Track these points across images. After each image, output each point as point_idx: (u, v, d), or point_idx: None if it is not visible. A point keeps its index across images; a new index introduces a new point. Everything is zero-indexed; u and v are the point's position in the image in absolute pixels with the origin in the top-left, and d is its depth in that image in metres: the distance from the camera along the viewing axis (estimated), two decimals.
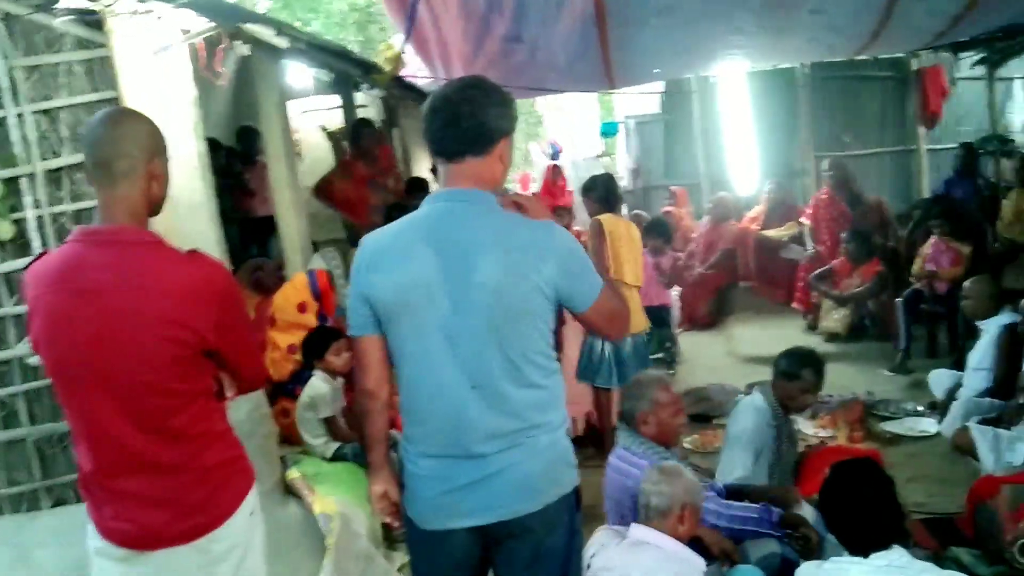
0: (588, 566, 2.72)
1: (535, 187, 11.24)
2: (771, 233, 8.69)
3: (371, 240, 2.21)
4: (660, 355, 7.11)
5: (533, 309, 2.12)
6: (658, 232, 7.47)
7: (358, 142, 6.83)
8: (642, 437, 3.23)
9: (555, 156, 11.35)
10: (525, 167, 13.94)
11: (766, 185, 9.18)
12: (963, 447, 4.63)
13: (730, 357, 7.57)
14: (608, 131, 11.62)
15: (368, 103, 8.22)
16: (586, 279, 2.19)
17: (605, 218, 5.28)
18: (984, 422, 4.74)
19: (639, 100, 11.18)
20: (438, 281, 2.09)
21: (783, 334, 7.94)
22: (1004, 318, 5.09)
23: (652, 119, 11.11)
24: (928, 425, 5.34)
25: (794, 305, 8.17)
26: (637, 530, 2.77)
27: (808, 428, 5.37)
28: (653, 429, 3.23)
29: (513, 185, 14.60)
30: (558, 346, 5.44)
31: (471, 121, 2.12)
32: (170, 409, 2.04)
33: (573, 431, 5.43)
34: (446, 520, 2.15)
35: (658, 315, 6.69)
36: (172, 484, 2.06)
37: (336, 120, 7.86)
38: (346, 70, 6.28)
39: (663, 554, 2.68)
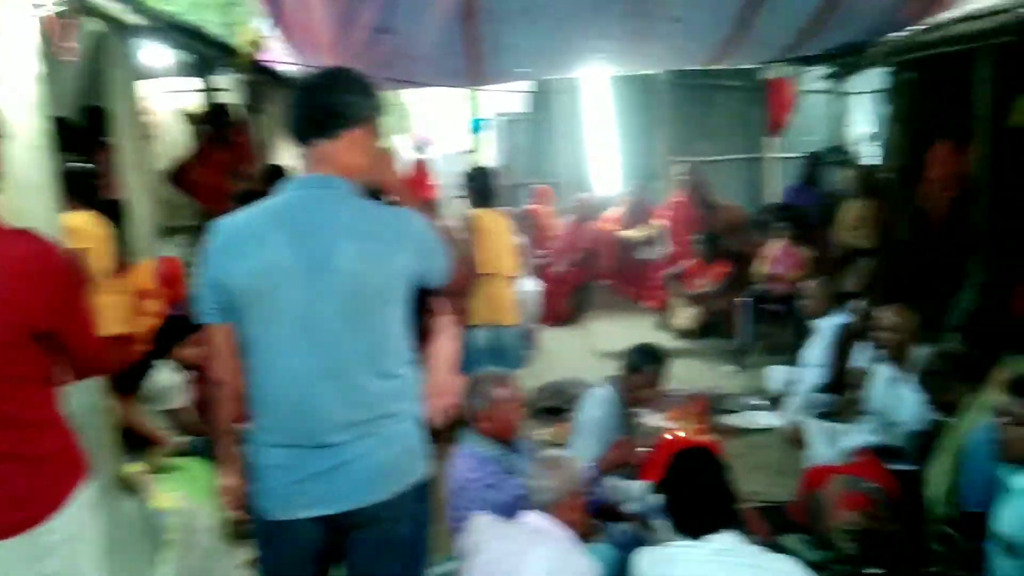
0: (470, 556, 2.69)
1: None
2: (629, 234, 8.97)
3: (224, 225, 2.15)
4: None
5: (391, 296, 2.12)
6: None
7: (217, 128, 6.60)
8: (481, 435, 3.26)
9: (422, 150, 11.33)
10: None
11: (626, 187, 9.46)
12: (798, 439, 4.94)
13: (587, 352, 7.76)
14: (477, 127, 11.66)
15: (231, 88, 7.95)
16: (440, 260, 2.25)
17: (479, 213, 5.40)
18: (819, 415, 5.08)
19: (509, 98, 11.28)
20: (292, 268, 2.06)
21: (637, 330, 8.23)
22: (839, 318, 5.45)
23: (520, 118, 11.23)
24: (766, 418, 5.65)
25: (648, 303, 8.46)
26: (532, 517, 2.76)
27: (655, 421, 5.56)
28: (492, 426, 3.25)
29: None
30: (426, 337, 5.49)
31: (321, 104, 2.12)
32: None
33: (440, 422, 5.45)
34: (294, 510, 2.12)
35: None
36: (0, 474, 1.95)
37: (197, 104, 7.56)
38: (204, 52, 6.06)
39: (560, 544, 2.67)
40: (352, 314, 2.07)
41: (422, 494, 2.25)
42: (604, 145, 10.66)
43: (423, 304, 5.45)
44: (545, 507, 2.74)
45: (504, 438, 3.29)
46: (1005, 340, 4.03)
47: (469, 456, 3.22)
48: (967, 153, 7.02)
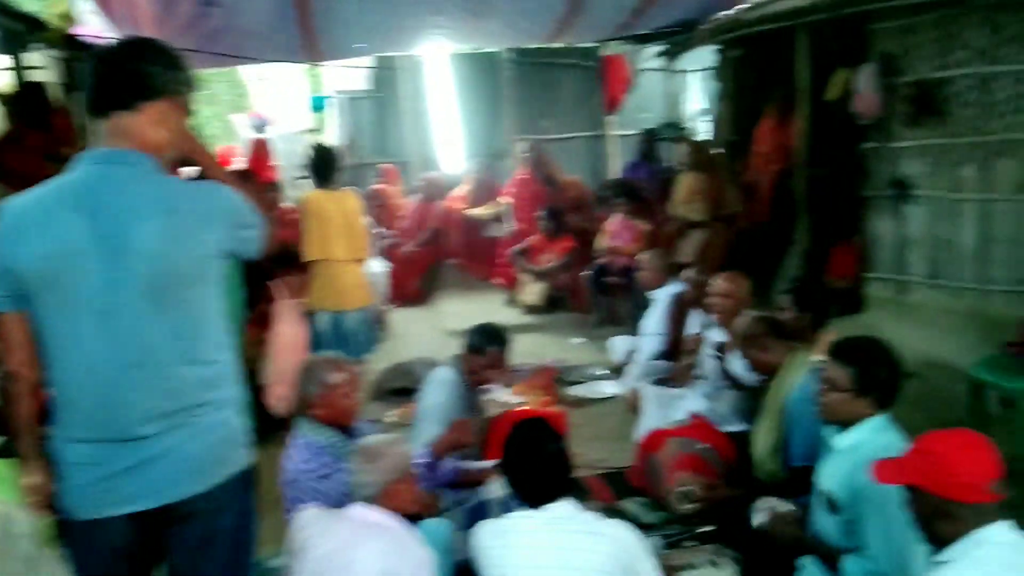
0: (299, 552, 2.57)
1: (241, 162, 10.76)
2: (476, 212, 8.99)
3: (12, 207, 1.98)
4: None
5: (199, 277, 2.02)
6: None
7: (31, 109, 6.12)
8: (316, 422, 3.12)
9: (261, 129, 10.93)
10: (229, 140, 13.26)
11: (470, 165, 9.47)
12: (634, 405, 5.11)
13: (436, 332, 7.74)
14: (318, 105, 11.37)
15: (47, 65, 7.39)
16: (252, 231, 2.16)
17: (313, 195, 5.30)
18: (657, 382, 5.27)
19: (349, 75, 11.04)
20: (87, 250, 1.93)
21: (486, 308, 8.28)
22: (673, 288, 5.65)
23: (362, 95, 11.01)
24: (609, 387, 5.81)
25: (496, 280, 8.53)
26: (359, 510, 2.63)
27: (503, 396, 5.62)
28: (327, 413, 3.11)
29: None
30: (266, 322, 5.34)
31: (121, 74, 1.99)
32: None
33: (284, 410, 5.31)
34: (102, 508, 2.00)
35: None
36: None
37: (7, 83, 6.98)
38: (12, 26, 5.60)
39: (392, 536, 2.57)
40: (157, 298, 1.95)
41: (245, 484, 2.16)
42: (449, 124, 10.62)
43: (261, 289, 5.31)
44: (370, 499, 2.62)
45: (341, 424, 3.17)
46: (827, 302, 4.27)
47: (303, 445, 3.09)
48: (790, 127, 7.44)
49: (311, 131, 11.29)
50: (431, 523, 2.86)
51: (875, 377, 2.69)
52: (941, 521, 2.05)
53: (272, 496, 4.48)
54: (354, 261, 5.38)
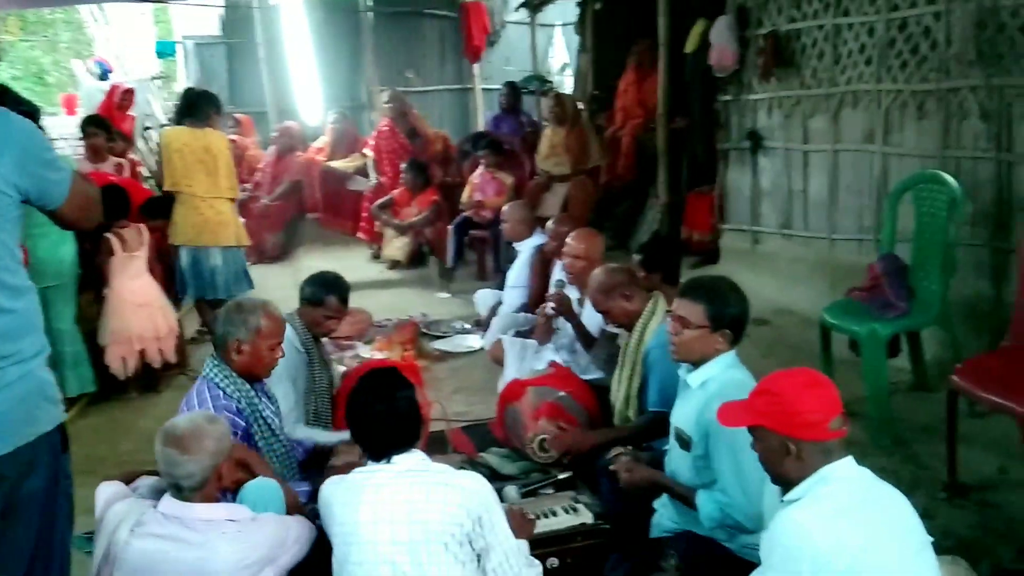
0: (124, 542, 2.27)
1: (83, 110, 10.05)
2: (337, 164, 8.70)
3: None
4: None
5: None
6: None
7: None
8: (229, 368, 2.90)
9: (104, 76, 10.22)
10: (69, 88, 12.37)
11: (330, 116, 9.14)
12: (497, 358, 5.06)
13: (296, 289, 7.46)
14: (164, 51, 10.72)
15: None
16: (52, 173, 1.94)
17: (175, 130, 5.43)
18: (520, 334, 5.23)
19: (199, 19, 10.45)
20: None
21: (350, 264, 8.04)
22: (535, 240, 5.61)
23: (213, 41, 10.46)
24: (473, 341, 5.74)
25: (359, 235, 8.30)
26: (185, 508, 2.31)
27: (365, 352, 5.48)
28: (246, 360, 2.90)
29: (56, 110, 12.92)
30: (104, 279, 4.99)
31: None
32: None
33: (124, 371, 5.02)
34: None
35: None
36: None
37: None
38: None
39: (230, 533, 2.31)
40: None
41: (57, 444, 1.95)
42: (307, 72, 10.21)
43: (96, 243, 4.95)
44: (195, 495, 2.31)
45: (255, 375, 2.96)
46: (677, 261, 4.32)
47: (208, 392, 2.87)
48: (651, 80, 7.49)
49: (158, 78, 10.63)
50: (256, 484, 2.66)
51: (726, 313, 2.71)
52: (787, 460, 2.06)
53: (115, 459, 4.23)
54: (217, 198, 5.35)
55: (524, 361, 4.80)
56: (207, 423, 2.39)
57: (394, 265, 7.82)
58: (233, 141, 8.81)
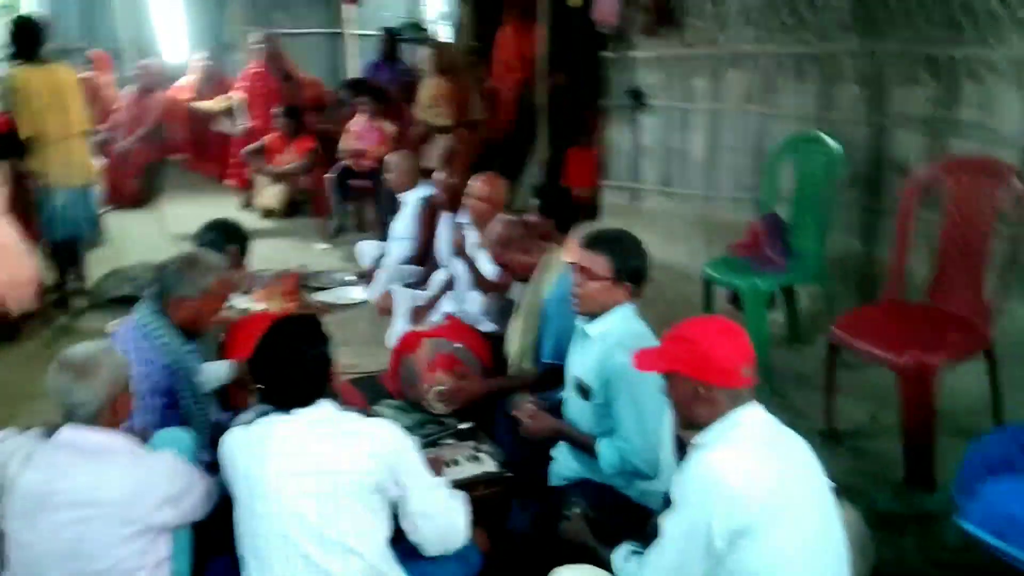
0: (15, 474, 2.13)
1: None
2: (204, 105, 8.27)
3: None
4: None
5: None
6: None
7: None
8: (166, 318, 2.78)
9: None
10: None
11: (196, 55, 8.66)
12: (386, 309, 4.99)
13: (162, 236, 7.11)
14: None
15: None
16: None
17: (19, 71, 5.03)
18: (408, 286, 5.17)
19: None
20: None
21: (218, 212, 7.66)
22: (422, 191, 5.52)
23: None
24: (357, 293, 5.63)
25: (229, 181, 7.95)
26: (74, 434, 2.20)
27: (242, 303, 5.27)
28: (186, 316, 2.79)
29: None
30: None
31: None
32: None
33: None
34: None
35: None
36: None
37: None
38: None
39: (125, 459, 2.21)
40: None
41: None
42: (169, 8, 9.61)
43: None
44: (88, 419, 2.21)
45: (193, 332, 2.84)
46: (572, 208, 4.35)
47: (133, 342, 2.71)
48: (532, 34, 7.46)
49: (3, 7, 9.72)
50: (167, 431, 2.55)
51: (629, 264, 2.77)
52: (699, 405, 2.11)
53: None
54: (70, 137, 5.18)
55: (412, 312, 4.78)
56: (103, 354, 2.26)
57: (268, 214, 7.55)
58: (87, 79, 8.25)
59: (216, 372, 3.48)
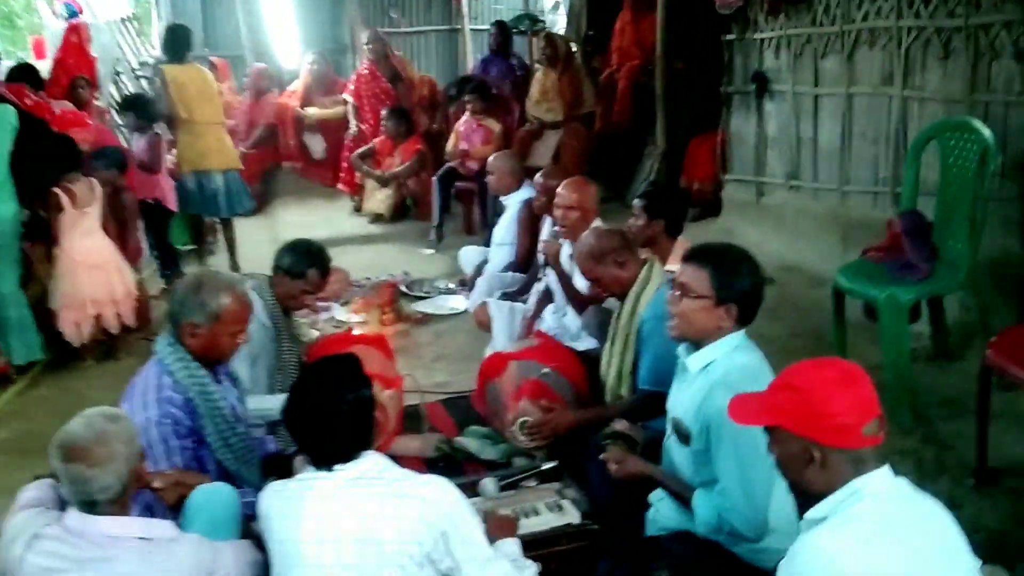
0: (19, 558, 1.92)
1: (52, 54, 9.47)
2: (313, 111, 8.23)
3: None
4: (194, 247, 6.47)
5: None
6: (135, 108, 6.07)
7: None
8: (183, 350, 2.51)
9: (72, 17, 9.61)
10: (37, 30, 11.76)
11: (308, 57, 8.63)
12: (483, 322, 4.69)
13: (276, 244, 7.05)
14: None
15: None
16: None
17: (169, 68, 5.88)
18: (507, 296, 4.85)
19: None
20: None
21: (329, 218, 7.66)
22: (523, 193, 5.19)
23: None
24: (457, 302, 5.36)
25: (340, 187, 7.87)
26: (87, 522, 1.94)
27: (341, 314, 5.11)
28: (200, 344, 2.51)
29: (26, 53, 12.32)
30: (55, 239, 4.59)
31: None
32: None
33: (79, 337, 4.65)
34: None
35: (152, 211, 5.81)
36: None
37: None
38: None
39: (135, 556, 1.94)
40: None
41: None
42: (285, 13, 9.65)
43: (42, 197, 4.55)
44: (109, 506, 1.94)
45: (213, 360, 2.57)
46: (682, 207, 3.92)
47: (154, 379, 2.49)
48: (650, 19, 7.00)
49: (131, 19, 10.03)
50: (206, 490, 2.30)
51: (735, 284, 2.34)
52: (810, 469, 1.71)
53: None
54: (214, 124, 5.98)
55: (513, 326, 4.44)
56: (109, 423, 1.99)
57: (376, 219, 7.39)
58: None
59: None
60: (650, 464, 2.54)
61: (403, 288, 5.53)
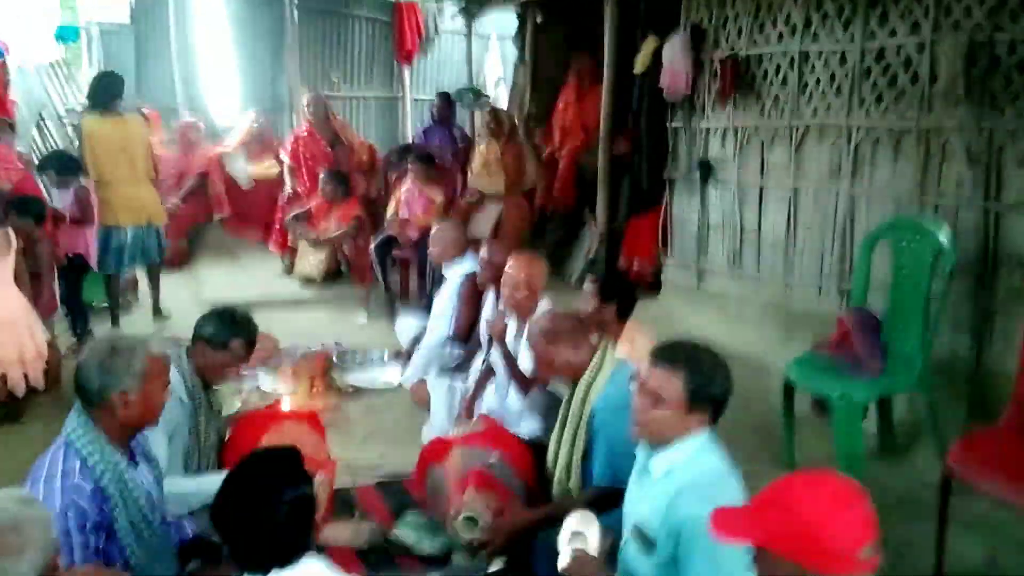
0: None
1: None
2: (250, 168, 7.98)
3: None
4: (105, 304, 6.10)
5: None
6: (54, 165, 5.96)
7: None
8: (96, 429, 2.24)
9: None
10: None
11: (248, 114, 8.42)
12: (421, 399, 4.48)
13: (199, 303, 6.73)
14: (65, 35, 9.77)
15: None
16: None
17: (92, 120, 5.72)
18: (445, 371, 4.65)
19: (107, 4, 9.59)
20: None
21: (258, 277, 7.38)
22: (467, 265, 5.03)
23: (121, 29, 9.59)
24: (391, 375, 5.12)
25: (271, 247, 7.60)
26: None
27: (267, 384, 4.82)
28: (133, 412, 2.26)
29: None
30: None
31: None
32: None
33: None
34: None
35: (70, 265, 5.60)
36: None
37: None
38: None
39: None
40: None
41: None
42: (222, 67, 9.44)
43: None
44: None
45: (142, 426, 2.35)
46: (632, 290, 3.82)
47: (62, 463, 2.21)
48: (593, 100, 7.03)
49: (61, 64, 9.68)
50: None
51: (708, 391, 2.21)
52: None
53: None
54: (130, 180, 5.77)
55: (452, 405, 4.25)
56: (23, 506, 1.76)
57: (307, 282, 7.14)
58: None
59: (208, 485, 2.96)
60: (610, 572, 2.35)
61: (334, 359, 5.26)
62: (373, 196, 7.59)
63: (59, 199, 5.73)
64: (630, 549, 2.33)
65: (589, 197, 7.50)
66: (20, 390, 4.39)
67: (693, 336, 2.40)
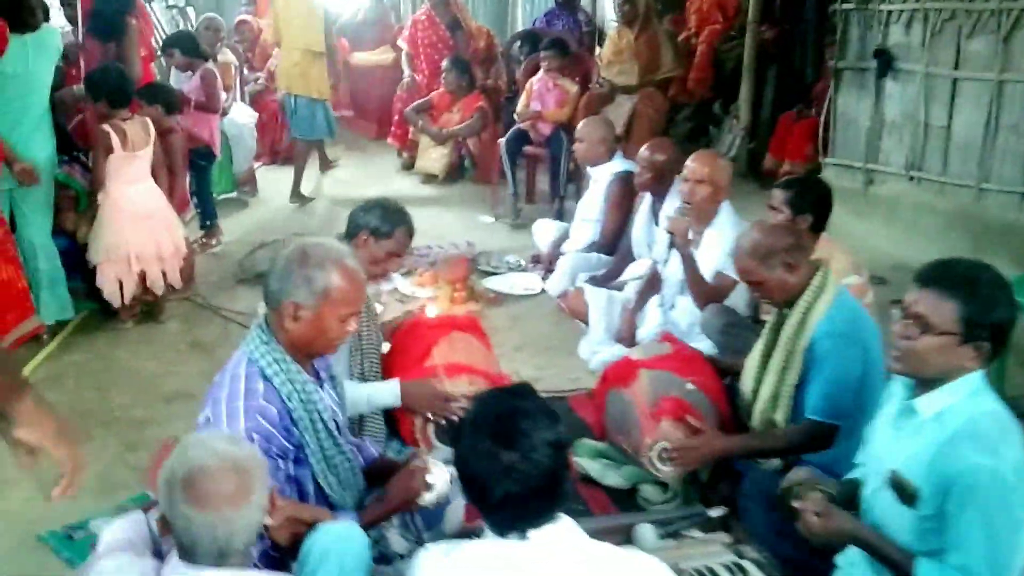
0: None
1: None
2: (366, 58, 7.62)
3: None
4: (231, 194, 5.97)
5: None
6: (179, 45, 5.70)
7: None
8: (278, 345, 2.00)
9: None
10: None
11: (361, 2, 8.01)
12: (576, 310, 4.17)
13: (319, 199, 6.52)
14: None
15: None
16: None
17: None
18: (592, 280, 4.33)
19: None
20: None
21: (377, 173, 7.11)
22: (617, 165, 4.63)
23: None
24: (532, 281, 4.80)
25: (389, 141, 7.29)
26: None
27: (405, 287, 4.56)
28: (303, 331, 1.98)
29: None
30: (98, 183, 4.06)
31: None
32: None
33: (119, 296, 4.13)
34: None
35: (197, 156, 5.33)
36: None
37: None
38: None
39: None
40: None
41: None
42: None
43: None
44: (241, 556, 1.58)
45: (310, 353, 2.07)
46: (828, 200, 3.36)
47: (247, 380, 1.98)
48: None
49: None
50: (332, 533, 1.80)
51: (990, 318, 1.87)
52: None
53: (105, 413, 3.37)
54: (311, 52, 5.98)
55: (612, 317, 3.95)
56: (234, 447, 1.60)
57: (428, 179, 6.82)
58: (246, 22, 7.76)
59: (379, 396, 2.75)
60: (859, 523, 2.05)
61: (476, 262, 4.98)
62: (490, 86, 7.16)
63: (185, 85, 5.47)
64: (880, 499, 2.01)
65: (724, 89, 6.95)
66: (159, 288, 4.24)
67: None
